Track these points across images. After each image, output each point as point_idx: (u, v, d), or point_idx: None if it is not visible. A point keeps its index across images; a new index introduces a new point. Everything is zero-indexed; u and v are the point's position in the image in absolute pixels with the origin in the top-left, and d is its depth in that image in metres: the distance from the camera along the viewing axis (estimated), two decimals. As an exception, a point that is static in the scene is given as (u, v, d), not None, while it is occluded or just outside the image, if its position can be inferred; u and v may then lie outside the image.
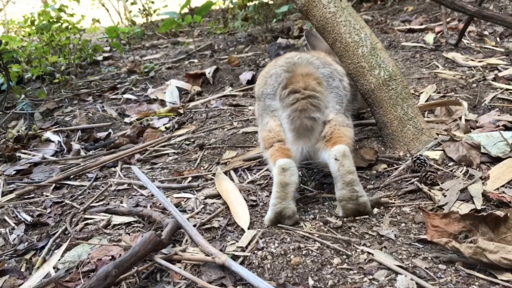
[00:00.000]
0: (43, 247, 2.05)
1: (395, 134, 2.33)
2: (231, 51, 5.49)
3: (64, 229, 2.15)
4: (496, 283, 1.39)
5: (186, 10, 5.47)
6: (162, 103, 4.00)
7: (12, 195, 2.58)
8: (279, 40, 5.35)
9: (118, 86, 4.69)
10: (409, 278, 1.42)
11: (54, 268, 1.84)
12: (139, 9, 8.15)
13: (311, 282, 1.48)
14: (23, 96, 4.49)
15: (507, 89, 2.93)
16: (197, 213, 2.04)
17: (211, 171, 2.49)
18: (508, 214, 1.54)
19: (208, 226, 1.91)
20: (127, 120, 3.76)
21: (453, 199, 1.83)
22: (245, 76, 4.15)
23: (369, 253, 1.59)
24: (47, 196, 2.55)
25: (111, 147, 3.17)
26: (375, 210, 1.88)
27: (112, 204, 2.31)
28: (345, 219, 1.83)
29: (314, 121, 1.90)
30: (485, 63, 3.44)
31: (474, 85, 3.08)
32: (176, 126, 3.34)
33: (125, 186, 2.50)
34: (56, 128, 3.73)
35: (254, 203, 2.05)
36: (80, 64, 5.68)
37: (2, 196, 2.61)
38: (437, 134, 2.39)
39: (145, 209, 2.12)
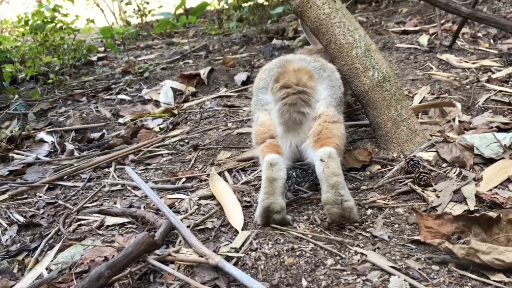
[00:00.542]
0: (35, 248, 2.04)
1: (389, 135, 2.33)
2: (226, 52, 5.49)
3: (57, 230, 2.14)
4: (489, 284, 1.40)
5: (181, 10, 5.45)
6: (157, 103, 3.99)
7: (5, 196, 2.57)
8: (274, 41, 5.36)
9: (113, 86, 4.68)
10: (402, 279, 1.43)
11: (46, 269, 1.83)
12: (134, 9, 8.14)
13: (304, 283, 1.48)
14: (16, 96, 4.48)
15: (500, 91, 2.94)
16: (191, 214, 2.04)
17: (205, 172, 2.49)
18: (501, 215, 1.55)
19: (202, 227, 1.91)
20: (121, 120, 3.75)
21: (446, 200, 1.84)
22: (240, 77, 4.15)
23: (362, 254, 1.60)
24: (40, 196, 2.54)
25: (105, 148, 3.16)
26: (369, 211, 1.88)
27: (106, 205, 2.30)
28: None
29: (303, 116, 1.92)
30: (479, 65, 3.46)
31: (468, 86, 3.09)
32: (170, 126, 3.33)
33: (119, 187, 2.50)
34: (49, 128, 3.72)
35: (248, 204, 2.05)
36: (74, 64, 5.66)
37: (-6, 197, 2.59)
38: (431, 136, 2.40)
39: (138, 210, 2.12)
